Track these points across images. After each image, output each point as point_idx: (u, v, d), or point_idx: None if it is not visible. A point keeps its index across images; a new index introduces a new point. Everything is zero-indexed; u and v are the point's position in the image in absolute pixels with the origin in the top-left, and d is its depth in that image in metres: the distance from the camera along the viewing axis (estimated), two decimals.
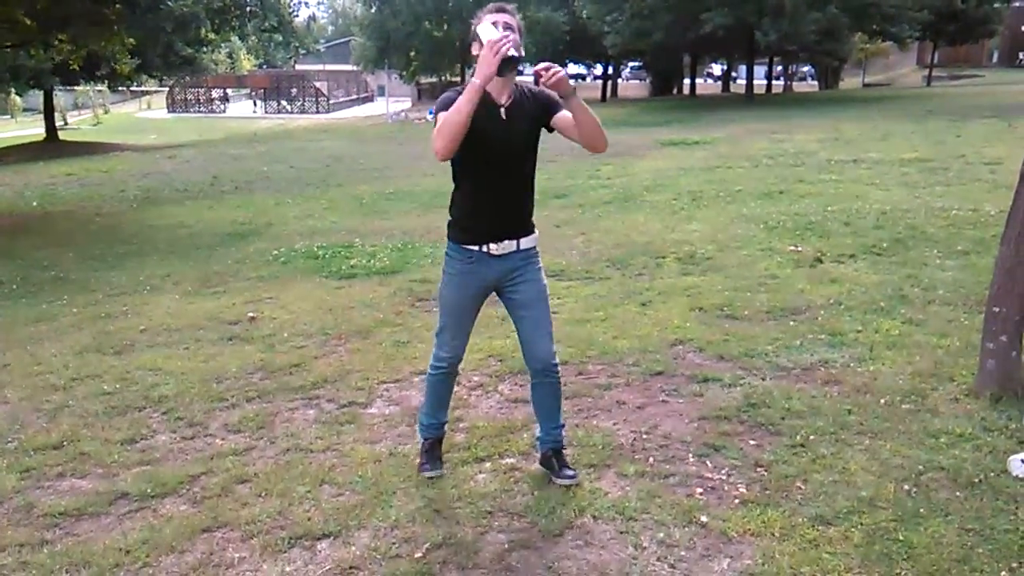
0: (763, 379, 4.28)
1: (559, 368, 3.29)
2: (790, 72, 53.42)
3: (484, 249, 3.12)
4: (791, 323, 5.14)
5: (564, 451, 3.37)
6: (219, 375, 4.76)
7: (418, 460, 3.47)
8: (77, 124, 45.02)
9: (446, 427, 3.54)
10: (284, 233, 9.66)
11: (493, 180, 3.04)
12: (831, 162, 12.65)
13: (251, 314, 6.05)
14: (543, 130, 3.08)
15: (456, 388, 3.99)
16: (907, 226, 7.75)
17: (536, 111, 3.01)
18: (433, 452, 3.46)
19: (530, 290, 3.18)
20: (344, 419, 4.06)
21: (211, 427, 4.06)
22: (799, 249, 7.10)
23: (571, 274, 6.73)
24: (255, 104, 54.32)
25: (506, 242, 3.13)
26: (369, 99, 59.49)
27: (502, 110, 2.97)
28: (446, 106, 2.84)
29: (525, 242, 3.16)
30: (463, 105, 2.76)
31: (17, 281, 8.03)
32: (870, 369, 4.32)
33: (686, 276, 6.49)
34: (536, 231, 3.22)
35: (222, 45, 16.23)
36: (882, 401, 3.90)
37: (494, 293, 3.25)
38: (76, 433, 4.03)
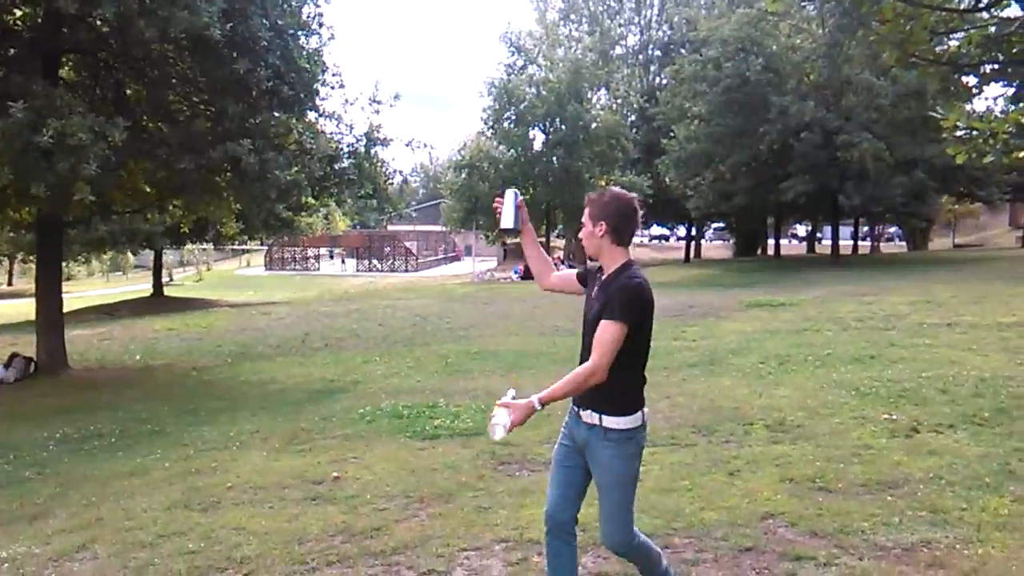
0: (860, 559, 4.05)
1: (625, 554, 3.32)
2: (877, 233, 53.15)
3: (576, 410, 3.25)
4: (888, 498, 4.90)
5: None
6: (301, 536, 4.77)
7: None
8: (181, 280, 47.65)
9: None
10: (370, 391, 9.83)
11: (584, 350, 3.19)
12: (923, 326, 12.33)
13: (335, 474, 6.10)
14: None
15: (536, 558, 3.90)
16: (1010, 395, 7.42)
17: (606, 298, 3.14)
18: None
19: (600, 472, 3.20)
20: None
21: None
22: (894, 417, 6.84)
23: (656, 440, 6.61)
24: (343, 263, 56.66)
25: (589, 412, 3.17)
26: (456, 258, 61.44)
27: (595, 289, 3.23)
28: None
29: (609, 421, 3.14)
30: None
31: (116, 434, 8.34)
32: (979, 552, 4.05)
33: (775, 444, 6.30)
34: (632, 416, 3.17)
35: (320, 209, 17.14)
36: None
37: None
38: None
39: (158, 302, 31.08)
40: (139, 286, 39.93)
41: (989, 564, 3.90)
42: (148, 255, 36.77)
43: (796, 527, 4.52)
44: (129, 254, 45.50)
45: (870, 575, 3.83)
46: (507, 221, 3.44)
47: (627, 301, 3.07)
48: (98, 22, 11.35)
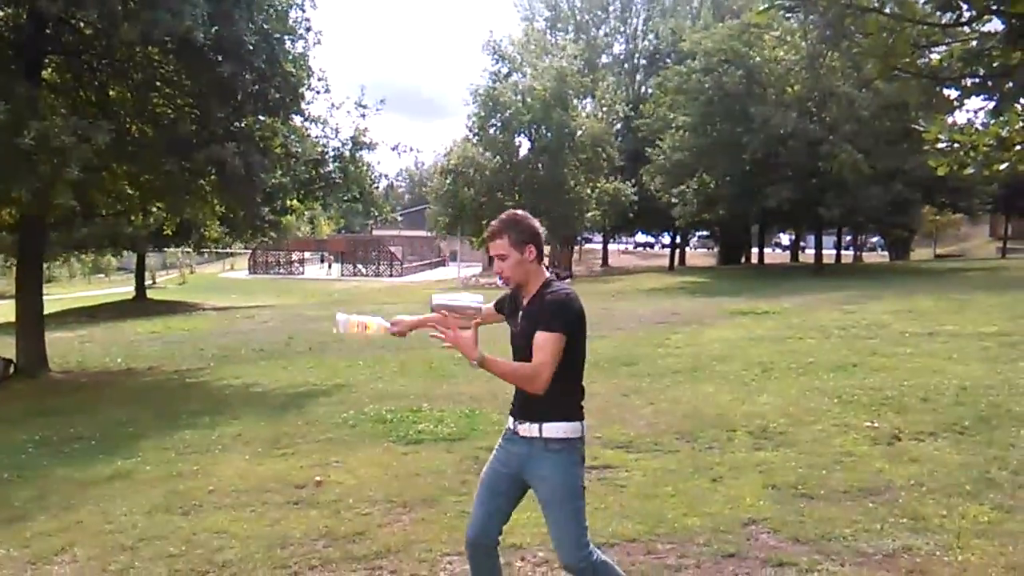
0: (842, 565, 4.08)
1: (586, 571, 3.10)
2: (859, 242, 53.54)
3: (513, 427, 3.18)
4: (870, 504, 4.93)
5: None
6: (283, 540, 4.75)
7: None
8: (164, 283, 47.35)
9: None
10: (354, 395, 9.79)
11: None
12: (905, 335, 12.41)
13: (318, 478, 6.08)
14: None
15: (520, 564, 3.90)
16: (990, 403, 7.48)
17: (537, 314, 3.10)
18: None
19: (546, 487, 3.10)
20: None
21: None
22: (875, 425, 6.89)
23: (639, 446, 6.63)
24: (329, 267, 56.51)
25: (527, 425, 3.12)
26: (441, 263, 61.44)
27: (519, 312, 3.20)
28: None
29: (548, 429, 3.08)
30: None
31: (96, 437, 8.27)
32: (958, 559, 4.08)
33: (758, 451, 6.32)
34: (572, 425, 3.10)
35: (305, 213, 17.13)
36: None
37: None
38: None
39: (140, 305, 30.89)
40: (121, 289, 39.67)
41: (969, 571, 3.94)
42: (131, 258, 36.57)
43: (778, 533, 4.54)
44: (111, 257, 45.25)
45: None
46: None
47: (560, 312, 3.04)
48: (81, 24, 11.31)
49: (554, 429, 3.07)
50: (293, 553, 4.55)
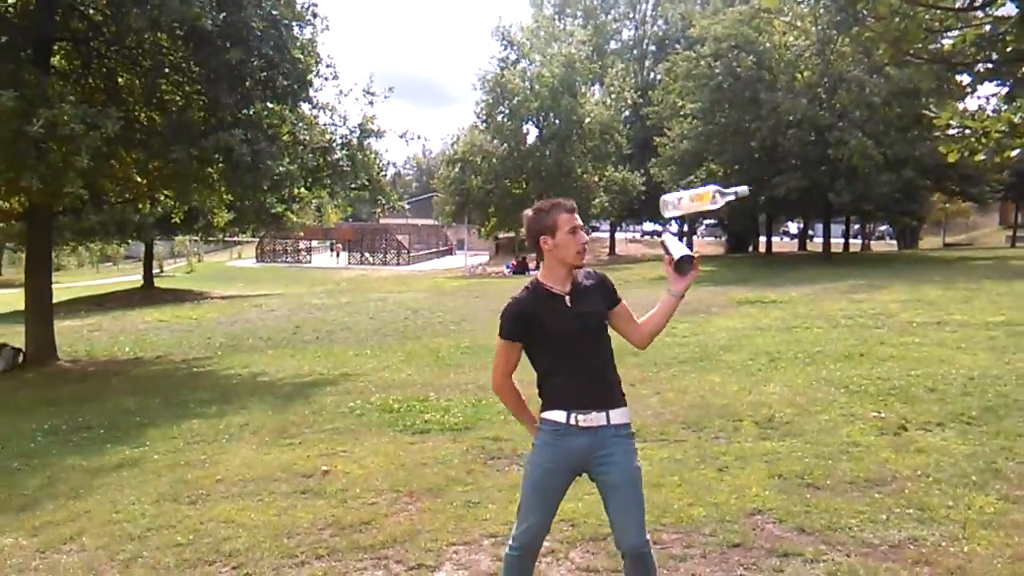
0: (847, 556, 4.07)
1: (650, 554, 3.12)
2: (868, 230, 53.30)
3: (571, 421, 3.09)
4: (876, 495, 4.93)
5: None
6: (290, 530, 4.77)
7: None
8: (172, 272, 47.47)
9: None
10: (361, 385, 9.82)
11: (571, 360, 3.11)
12: (913, 324, 12.37)
13: (324, 468, 6.10)
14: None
15: None
16: (997, 393, 7.45)
17: (602, 293, 3.19)
18: None
19: (617, 473, 3.09)
20: None
21: None
22: (882, 415, 6.87)
23: (645, 435, 6.62)
24: (336, 256, 56.55)
25: (594, 414, 3.09)
26: (449, 252, 61.36)
27: (567, 298, 3.13)
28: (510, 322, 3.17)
29: (616, 416, 3.11)
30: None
31: (104, 426, 8.32)
32: (964, 550, 4.08)
33: (764, 441, 6.32)
34: (627, 408, 3.18)
35: (312, 201, 17.14)
36: None
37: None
38: None
39: (148, 294, 30.96)
40: (129, 277, 39.81)
41: (975, 562, 3.93)
42: (139, 246, 36.64)
43: (784, 523, 4.54)
44: (119, 245, 45.37)
45: (857, 572, 3.85)
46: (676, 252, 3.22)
47: (613, 286, 3.28)
48: (90, 10, 11.30)
49: (621, 415, 3.13)
50: (300, 542, 4.57)
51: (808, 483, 5.21)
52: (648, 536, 3.12)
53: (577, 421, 3.07)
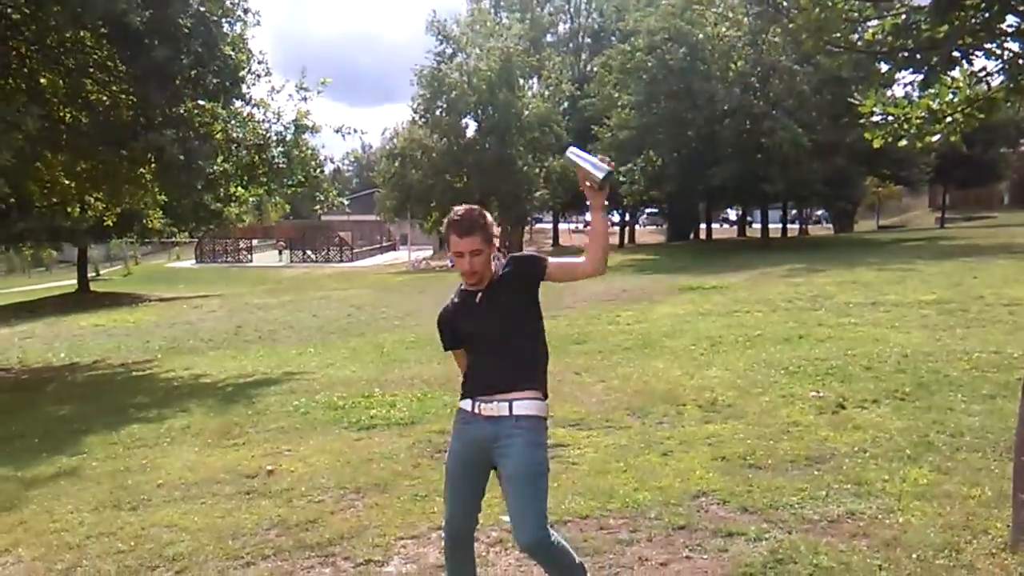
0: (789, 532, 4.17)
1: (548, 549, 3.04)
2: (805, 216, 54.41)
3: (476, 409, 3.14)
4: (816, 472, 5.05)
5: None
6: (235, 531, 4.70)
7: None
8: (108, 275, 46.29)
9: None
10: (305, 383, 9.71)
11: (481, 352, 3.21)
12: (849, 305, 12.69)
13: (269, 467, 6.02)
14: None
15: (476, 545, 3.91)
16: (929, 370, 7.70)
17: (518, 275, 3.17)
18: None
19: (511, 466, 3.06)
20: None
21: None
22: (821, 395, 7.04)
23: (590, 423, 6.69)
24: (280, 254, 55.78)
25: (495, 403, 3.11)
26: (392, 248, 61.00)
27: (478, 295, 3.17)
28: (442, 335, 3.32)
29: (520, 407, 3.09)
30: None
31: (39, 434, 8.07)
32: (899, 521, 4.20)
33: (707, 424, 6.42)
34: (539, 400, 3.14)
35: (251, 200, 16.85)
36: (914, 556, 3.78)
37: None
38: None
39: (84, 298, 30.16)
40: (63, 282, 38.67)
41: (909, 532, 4.05)
42: (72, 251, 35.63)
43: (727, 504, 4.62)
44: (51, 250, 44.03)
45: (798, 548, 3.94)
46: (597, 171, 3.06)
47: (531, 256, 3.31)
48: (8, 8, 10.92)
49: (526, 407, 3.10)
50: (245, 544, 4.51)
51: (750, 464, 5.31)
52: (547, 531, 3.03)
53: (480, 410, 3.13)
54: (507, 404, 3.08)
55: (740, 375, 8.15)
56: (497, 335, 3.13)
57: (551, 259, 3.20)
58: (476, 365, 3.21)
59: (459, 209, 3.16)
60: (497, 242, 3.21)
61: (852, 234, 43.41)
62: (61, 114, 12.24)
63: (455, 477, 3.22)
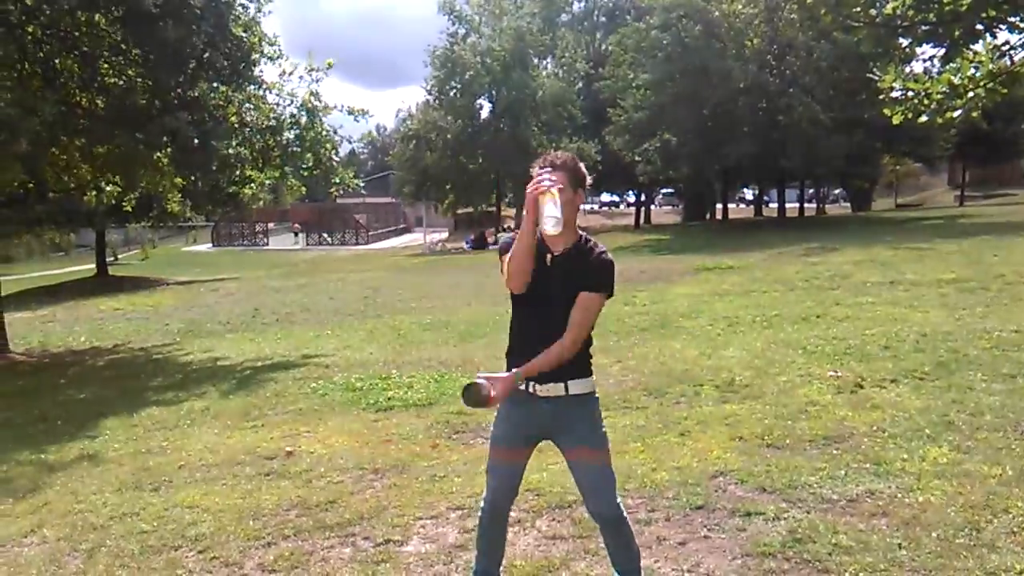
0: (808, 512, 4.16)
1: (625, 522, 3.17)
2: (822, 194, 54.02)
3: (531, 389, 3.08)
4: (834, 452, 5.03)
5: None
6: (256, 512, 4.74)
7: None
8: (126, 259, 46.61)
9: None
10: (323, 365, 9.76)
11: (533, 322, 3.05)
12: (867, 284, 12.61)
13: (288, 448, 6.06)
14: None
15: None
16: (949, 349, 7.64)
17: (581, 271, 3.02)
18: None
19: (583, 439, 3.09)
20: (380, 558, 3.99)
21: (246, 566, 4.02)
22: (839, 374, 7.00)
23: (608, 403, 6.67)
24: (295, 236, 55.93)
25: (550, 384, 3.06)
26: (407, 230, 61.02)
27: (548, 257, 3.03)
28: (507, 248, 3.00)
29: (574, 386, 3.07)
30: (516, 245, 2.93)
31: (62, 417, 8.17)
32: (919, 500, 4.18)
33: (725, 404, 6.41)
34: (590, 377, 3.13)
35: (266, 182, 16.86)
36: (934, 535, 3.76)
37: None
38: (111, 574, 4.01)
39: (102, 282, 30.38)
40: (82, 267, 38.99)
41: (929, 511, 4.03)
42: (91, 233, 35.87)
43: (745, 484, 4.61)
44: (70, 234, 44.32)
45: (817, 528, 3.93)
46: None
47: (610, 273, 3.03)
48: None
49: (580, 385, 3.08)
50: (266, 524, 4.55)
51: (768, 443, 5.30)
52: (618, 501, 3.13)
53: (536, 390, 3.07)
54: (563, 385, 3.05)
55: (757, 355, 8.11)
56: (554, 303, 3.01)
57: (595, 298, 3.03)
58: (525, 329, 3.09)
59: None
60: (582, 199, 3.06)
61: (870, 213, 43.06)
62: (77, 99, 12.27)
63: (502, 453, 3.23)
